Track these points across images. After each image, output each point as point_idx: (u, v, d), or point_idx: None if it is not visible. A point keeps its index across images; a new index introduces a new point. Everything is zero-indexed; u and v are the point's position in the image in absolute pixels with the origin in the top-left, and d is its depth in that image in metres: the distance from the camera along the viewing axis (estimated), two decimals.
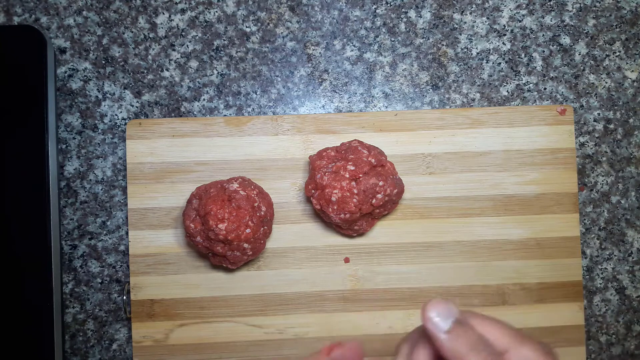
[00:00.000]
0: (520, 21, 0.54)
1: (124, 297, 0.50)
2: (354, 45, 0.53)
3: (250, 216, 0.46)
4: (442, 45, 0.54)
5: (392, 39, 0.53)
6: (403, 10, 0.54)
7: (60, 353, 0.48)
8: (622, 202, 0.54)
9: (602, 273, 0.54)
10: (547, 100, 0.54)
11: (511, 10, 0.54)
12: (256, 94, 0.53)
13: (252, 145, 0.51)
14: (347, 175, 0.47)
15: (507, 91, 0.54)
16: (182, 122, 0.51)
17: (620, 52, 0.54)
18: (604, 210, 0.54)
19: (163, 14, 0.53)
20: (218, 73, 0.53)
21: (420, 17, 0.54)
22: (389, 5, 0.54)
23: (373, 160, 0.47)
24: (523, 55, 0.54)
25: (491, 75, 0.54)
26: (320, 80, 0.53)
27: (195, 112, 0.52)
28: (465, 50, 0.54)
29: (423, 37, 0.54)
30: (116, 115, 0.52)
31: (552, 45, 0.54)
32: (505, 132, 0.52)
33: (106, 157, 0.52)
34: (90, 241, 0.52)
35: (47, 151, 0.47)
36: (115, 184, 0.52)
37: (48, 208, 0.47)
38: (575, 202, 0.52)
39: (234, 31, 0.53)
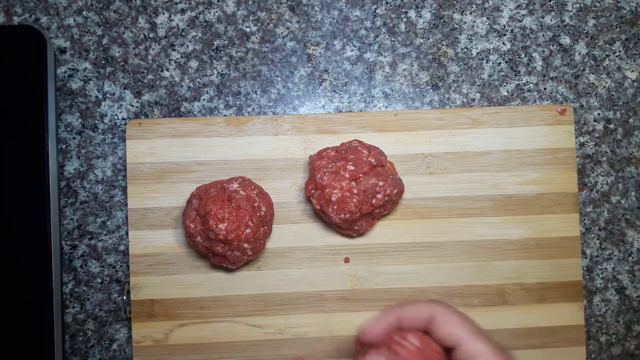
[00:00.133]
0: (520, 21, 0.54)
1: (124, 297, 0.50)
2: (354, 45, 0.53)
3: (250, 216, 0.46)
4: (442, 45, 0.54)
5: (392, 39, 0.53)
6: (403, 10, 0.54)
7: (60, 353, 0.48)
8: (622, 202, 0.54)
9: (602, 273, 0.54)
10: (547, 100, 0.54)
11: (511, 10, 0.54)
12: (256, 94, 0.53)
13: (252, 145, 0.51)
14: (347, 175, 0.47)
15: (507, 91, 0.54)
16: (182, 122, 0.51)
17: (620, 52, 0.54)
18: (604, 210, 0.54)
19: (163, 14, 0.53)
20: (218, 73, 0.53)
21: (420, 17, 0.54)
22: (389, 5, 0.54)
23: (373, 160, 0.47)
24: (523, 55, 0.54)
25: (491, 75, 0.54)
26: (320, 80, 0.53)
27: (195, 112, 0.52)
28: (465, 50, 0.54)
29: (423, 37, 0.54)
30: (116, 115, 0.52)
31: (552, 45, 0.54)
32: (505, 132, 0.52)
33: (106, 157, 0.52)
34: (90, 241, 0.52)
35: (47, 151, 0.47)
36: (115, 184, 0.52)
37: (48, 208, 0.47)
38: (575, 202, 0.52)
39: (234, 31, 0.53)
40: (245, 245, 0.46)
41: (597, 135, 0.54)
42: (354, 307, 0.51)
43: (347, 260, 0.51)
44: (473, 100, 0.54)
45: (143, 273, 0.50)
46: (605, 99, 0.54)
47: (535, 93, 0.54)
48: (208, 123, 0.51)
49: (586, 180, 0.54)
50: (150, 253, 0.50)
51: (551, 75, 0.54)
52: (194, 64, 0.53)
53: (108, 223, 0.52)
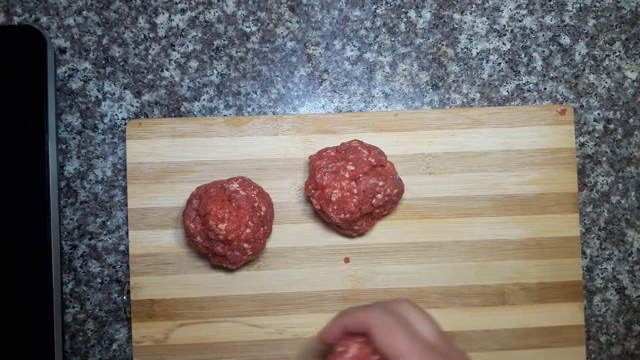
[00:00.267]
0: (520, 21, 0.54)
1: (124, 297, 0.50)
2: (354, 45, 0.53)
3: (250, 216, 0.46)
4: (442, 45, 0.54)
5: (392, 39, 0.53)
6: (403, 10, 0.54)
7: (60, 353, 0.48)
8: (622, 202, 0.54)
9: (602, 273, 0.54)
10: (547, 100, 0.54)
11: (511, 10, 0.54)
12: (256, 94, 0.53)
13: (252, 145, 0.51)
14: (347, 175, 0.47)
15: (507, 91, 0.54)
16: (182, 122, 0.51)
17: (620, 52, 0.54)
18: (604, 210, 0.54)
19: (163, 14, 0.53)
20: (218, 73, 0.53)
21: (420, 17, 0.54)
22: (389, 5, 0.54)
23: (373, 160, 0.47)
24: (523, 55, 0.54)
25: (491, 75, 0.54)
26: (320, 80, 0.53)
27: (195, 112, 0.52)
28: (465, 50, 0.54)
29: (423, 37, 0.54)
30: (116, 115, 0.52)
31: (552, 45, 0.54)
32: (505, 132, 0.52)
33: (106, 157, 0.52)
34: (90, 241, 0.52)
35: (47, 151, 0.47)
36: (115, 184, 0.52)
37: (48, 208, 0.47)
38: (575, 202, 0.52)
39: (234, 31, 0.53)
40: (245, 245, 0.46)
41: (597, 135, 0.54)
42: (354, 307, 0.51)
43: (347, 260, 0.51)
44: (473, 100, 0.54)
45: (143, 273, 0.50)
46: (605, 99, 0.54)
47: (535, 93, 0.54)
48: (208, 123, 0.51)
49: (586, 180, 0.54)
50: (150, 253, 0.50)
51: (551, 75, 0.54)
52: (194, 64, 0.53)
53: (108, 223, 0.52)
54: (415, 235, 0.51)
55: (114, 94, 0.52)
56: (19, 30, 0.48)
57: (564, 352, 0.51)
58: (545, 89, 0.54)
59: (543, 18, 0.54)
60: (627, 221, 0.54)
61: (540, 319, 0.51)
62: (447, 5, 0.54)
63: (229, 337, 0.50)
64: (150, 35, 0.52)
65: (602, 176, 0.54)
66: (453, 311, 0.51)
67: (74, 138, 0.52)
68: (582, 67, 0.54)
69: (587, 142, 0.54)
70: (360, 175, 0.47)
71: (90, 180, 0.52)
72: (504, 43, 0.54)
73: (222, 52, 0.53)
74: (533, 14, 0.54)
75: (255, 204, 0.47)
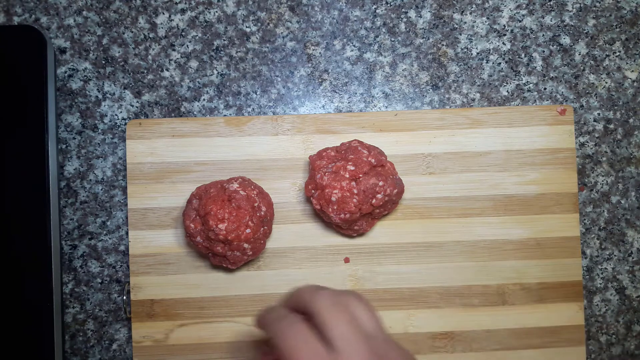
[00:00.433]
0: (520, 21, 0.54)
1: (124, 297, 0.50)
2: (354, 45, 0.53)
3: (250, 216, 0.46)
4: (442, 45, 0.54)
5: (392, 39, 0.53)
6: (403, 10, 0.54)
7: (60, 353, 0.48)
8: (622, 202, 0.54)
9: (602, 273, 0.54)
10: (547, 100, 0.54)
11: (511, 10, 0.54)
12: (256, 94, 0.53)
13: (252, 145, 0.51)
14: (347, 175, 0.47)
15: (507, 91, 0.54)
16: (182, 122, 0.51)
17: (620, 52, 0.54)
18: (604, 210, 0.54)
19: (163, 14, 0.53)
20: (218, 73, 0.53)
21: (420, 17, 0.54)
22: (389, 5, 0.54)
23: (373, 160, 0.47)
24: (523, 55, 0.54)
25: (491, 75, 0.54)
26: (320, 80, 0.53)
27: (195, 112, 0.52)
28: (465, 50, 0.54)
29: (423, 37, 0.54)
30: (116, 115, 0.52)
31: (552, 45, 0.54)
32: (505, 132, 0.52)
33: (106, 157, 0.52)
34: (90, 241, 0.52)
35: (47, 151, 0.47)
36: (115, 184, 0.52)
37: (48, 208, 0.47)
38: (575, 202, 0.52)
39: (234, 31, 0.53)
40: (245, 245, 0.46)
41: (597, 135, 0.54)
42: None
43: (347, 260, 0.51)
44: (473, 100, 0.54)
45: (143, 273, 0.50)
46: (605, 99, 0.54)
47: (535, 93, 0.54)
48: (208, 123, 0.51)
49: (586, 180, 0.54)
50: (150, 253, 0.50)
51: (551, 75, 0.54)
52: (194, 64, 0.53)
53: (108, 223, 0.52)
54: (415, 235, 0.51)
55: (114, 94, 0.52)
56: (19, 30, 0.48)
57: (564, 352, 0.51)
58: (545, 89, 0.54)
59: (543, 18, 0.54)
60: (627, 221, 0.54)
61: (540, 319, 0.51)
62: (447, 5, 0.54)
63: (229, 337, 0.50)
64: (150, 35, 0.52)
65: (602, 176, 0.54)
66: (453, 311, 0.51)
67: (74, 138, 0.52)
68: (582, 67, 0.54)
69: (587, 142, 0.54)
70: (360, 175, 0.47)
71: (90, 180, 0.52)
72: (504, 43, 0.54)
73: (222, 52, 0.53)
74: (533, 14, 0.54)
75: (255, 204, 0.47)
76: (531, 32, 0.54)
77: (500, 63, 0.54)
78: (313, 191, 0.48)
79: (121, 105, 0.52)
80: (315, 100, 0.53)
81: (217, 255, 0.47)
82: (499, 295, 0.52)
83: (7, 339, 0.46)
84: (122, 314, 0.52)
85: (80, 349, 0.51)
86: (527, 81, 0.54)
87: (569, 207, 0.52)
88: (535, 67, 0.54)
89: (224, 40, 0.53)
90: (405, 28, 0.54)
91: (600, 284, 0.53)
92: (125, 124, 0.52)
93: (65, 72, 0.52)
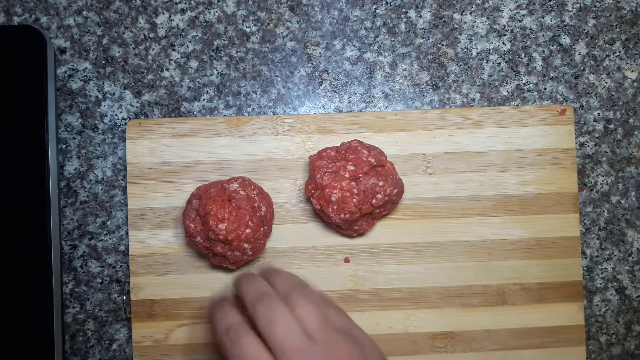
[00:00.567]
0: (520, 21, 0.54)
1: (124, 297, 0.50)
2: (354, 45, 0.53)
3: (250, 216, 0.46)
4: (442, 45, 0.54)
5: (392, 39, 0.54)
6: (403, 10, 0.54)
7: (60, 353, 0.48)
8: (622, 202, 0.54)
9: (602, 273, 0.54)
10: (547, 100, 0.54)
11: (511, 10, 0.54)
12: (256, 94, 0.53)
13: (252, 145, 0.51)
14: (347, 175, 0.47)
15: (507, 91, 0.54)
16: (182, 122, 0.51)
17: (620, 52, 0.54)
18: (604, 210, 0.54)
19: (163, 14, 0.53)
20: (218, 73, 0.53)
21: (420, 17, 0.54)
22: (389, 5, 0.54)
23: (373, 160, 0.47)
24: (523, 55, 0.54)
25: (491, 75, 0.54)
26: (320, 80, 0.53)
27: (195, 112, 0.53)
28: (465, 50, 0.54)
29: (423, 37, 0.54)
30: (116, 115, 0.52)
31: (552, 45, 0.54)
32: (505, 132, 0.52)
33: (106, 157, 0.52)
34: (90, 241, 0.52)
35: (47, 151, 0.47)
36: (115, 184, 0.52)
37: (48, 208, 0.47)
38: (575, 202, 0.52)
39: (234, 31, 0.53)
40: (245, 245, 0.46)
41: (597, 135, 0.54)
42: (354, 307, 0.51)
43: (347, 260, 0.51)
44: (473, 100, 0.54)
45: (143, 273, 0.50)
46: (605, 99, 0.54)
47: (535, 93, 0.54)
48: (208, 123, 0.51)
49: (586, 180, 0.54)
50: (150, 253, 0.50)
51: (551, 75, 0.54)
52: (194, 64, 0.53)
53: (108, 223, 0.52)
54: (415, 235, 0.51)
55: (114, 94, 0.52)
56: (19, 30, 0.48)
57: (564, 352, 0.51)
58: (545, 89, 0.54)
59: (543, 18, 0.54)
60: (627, 221, 0.54)
61: (540, 319, 0.51)
62: (447, 5, 0.54)
63: None
64: (150, 35, 0.52)
65: (602, 176, 0.54)
66: (453, 311, 0.51)
67: (74, 138, 0.52)
68: (582, 67, 0.54)
69: (587, 142, 0.54)
70: (360, 175, 0.47)
71: (90, 180, 0.52)
72: (504, 43, 0.54)
73: (222, 52, 0.53)
74: (533, 14, 0.54)
75: (255, 204, 0.47)
76: (531, 32, 0.54)
77: (500, 63, 0.54)
78: (313, 191, 0.48)
79: (121, 105, 0.52)
80: (315, 100, 0.53)
81: (217, 255, 0.47)
82: (499, 295, 0.52)
83: (7, 339, 0.46)
84: (122, 314, 0.52)
85: (80, 349, 0.51)
86: (527, 81, 0.54)
87: (569, 207, 0.52)
88: (535, 67, 0.54)
89: (224, 40, 0.53)
90: (405, 28, 0.54)
91: (600, 284, 0.53)
92: (125, 124, 0.52)
93: (65, 72, 0.52)
